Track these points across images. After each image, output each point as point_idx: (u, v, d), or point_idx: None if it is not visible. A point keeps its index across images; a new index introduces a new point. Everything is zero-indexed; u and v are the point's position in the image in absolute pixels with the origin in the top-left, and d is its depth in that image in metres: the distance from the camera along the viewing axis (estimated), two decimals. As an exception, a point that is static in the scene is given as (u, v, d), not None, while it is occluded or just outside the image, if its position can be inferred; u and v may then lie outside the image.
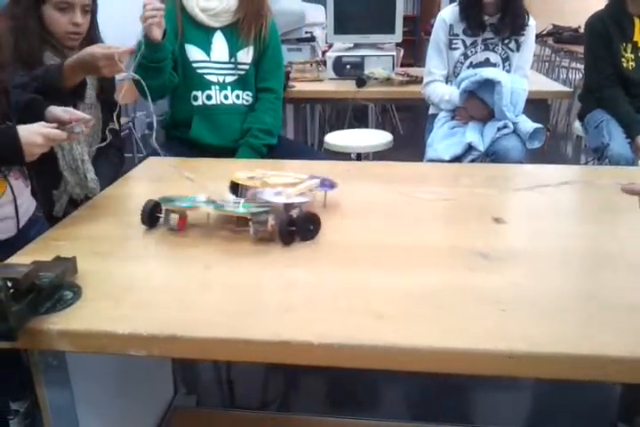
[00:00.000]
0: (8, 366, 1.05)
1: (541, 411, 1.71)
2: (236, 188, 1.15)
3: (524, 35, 2.27)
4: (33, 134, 1.07)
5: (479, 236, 1.08)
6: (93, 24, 1.63)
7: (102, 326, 0.80)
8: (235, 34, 1.96)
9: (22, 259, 0.97)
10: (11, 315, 0.74)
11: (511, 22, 2.24)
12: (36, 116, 1.23)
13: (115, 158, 1.74)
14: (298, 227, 1.05)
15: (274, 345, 0.77)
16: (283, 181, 1.14)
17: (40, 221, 1.28)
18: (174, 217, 1.12)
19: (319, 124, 4.39)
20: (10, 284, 0.75)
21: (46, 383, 0.91)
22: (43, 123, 1.12)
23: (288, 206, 1.09)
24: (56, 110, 1.23)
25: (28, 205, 1.23)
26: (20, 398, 1.36)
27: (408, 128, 5.01)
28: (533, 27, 2.29)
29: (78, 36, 1.58)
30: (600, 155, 2.39)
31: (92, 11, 1.60)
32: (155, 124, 1.30)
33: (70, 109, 1.25)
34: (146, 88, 1.33)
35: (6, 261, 0.97)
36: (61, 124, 1.18)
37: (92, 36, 1.62)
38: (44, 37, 1.54)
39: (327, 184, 1.21)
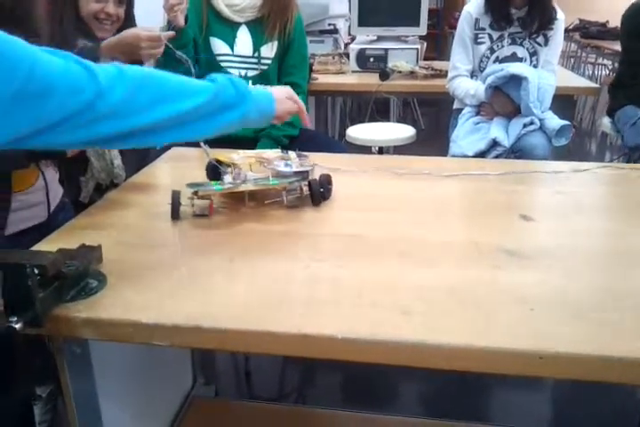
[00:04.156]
0: (33, 352, 1.07)
1: (562, 412, 1.69)
2: (215, 169, 1.22)
3: (552, 29, 2.22)
4: None
5: (506, 233, 1.07)
6: (129, 16, 1.63)
7: (126, 315, 0.80)
8: (259, 29, 1.95)
9: (48, 246, 0.98)
10: (37, 301, 0.75)
11: (539, 16, 2.20)
12: None
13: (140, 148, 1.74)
14: (323, 187, 1.20)
15: (298, 338, 0.76)
16: (274, 155, 1.25)
17: (67, 207, 1.30)
18: (199, 203, 1.13)
19: (340, 117, 4.37)
20: (37, 271, 0.75)
21: (69, 370, 0.91)
22: None
23: (299, 174, 1.20)
24: None
25: (56, 191, 1.26)
26: (43, 383, 1.38)
27: (429, 123, 4.97)
28: (562, 21, 2.24)
29: (110, 25, 1.57)
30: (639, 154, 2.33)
31: (128, 2, 1.60)
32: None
33: None
34: (194, 72, 1.34)
35: (32, 248, 0.97)
36: None
37: (129, 27, 1.62)
38: (79, 25, 1.55)
39: (301, 156, 1.32)
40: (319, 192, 1.18)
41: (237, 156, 1.24)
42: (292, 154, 1.28)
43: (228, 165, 1.20)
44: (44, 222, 1.19)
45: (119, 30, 1.56)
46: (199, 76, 1.47)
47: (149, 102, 0.82)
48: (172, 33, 1.37)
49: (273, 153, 1.28)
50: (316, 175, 1.23)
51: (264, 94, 1.07)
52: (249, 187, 1.16)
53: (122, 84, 0.79)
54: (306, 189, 1.19)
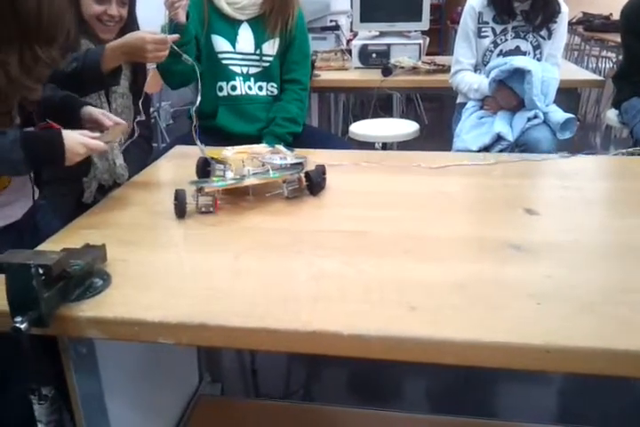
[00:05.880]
0: (38, 352, 1.06)
1: (570, 407, 1.69)
2: (204, 167, 1.26)
3: (556, 22, 2.21)
4: (77, 144, 1.09)
5: (511, 227, 1.06)
6: (132, 16, 1.63)
7: (131, 314, 0.80)
8: (261, 26, 1.94)
9: (52, 246, 0.98)
10: (42, 301, 0.75)
11: (542, 9, 2.18)
12: (70, 113, 1.24)
13: (143, 146, 1.74)
14: (319, 177, 1.23)
15: (304, 335, 0.76)
16: (264, 150, 1.28)
17: (43, 208, 1.28)
18: (204, 200, 1.14)
19: (343, 114, 4.36)
20: (41, 271, 0.75)
21: (75, 370, 0.92)
22: (85, 131, 1.13)
23: (295, 166, 1.23)
24: (94, 111, 1.25)
25: (32, 191, 1.24)
26: (48, 383, 1.38)
27: (432, 118, 4.95)
28: (566, 14, 2.23)
29: (113, 26, 1.57)
30: None
31: (130, 3, 1.60)
32: (199, 97, 1.34)
33: (108, 113, 1.27)
34: (198, 72, 1.37)
35: (37, 248, 0.97)
36: (100, 126, 1.21)
37: (131, 28, 1.61)
38: (82, 26, 1.55)
39: (289, 149, 1.35)
40: (318, 182, 1.22)
41: (228, 152, 1.25)
42: (280, 147, 1.31)
43: (220, 162, 1.22)
44: (19, 221, 1.17)
45: (122, 30, 1.56)
46: (201, 75, 1.48)
47: None
48: (176, 36, 1.38)
49: (262, 148, 1.31)
50: (308, 168, 1.25)
51: None
52: (253, 181, 1.17)
53: None
54: (303, 180, 1.22)
